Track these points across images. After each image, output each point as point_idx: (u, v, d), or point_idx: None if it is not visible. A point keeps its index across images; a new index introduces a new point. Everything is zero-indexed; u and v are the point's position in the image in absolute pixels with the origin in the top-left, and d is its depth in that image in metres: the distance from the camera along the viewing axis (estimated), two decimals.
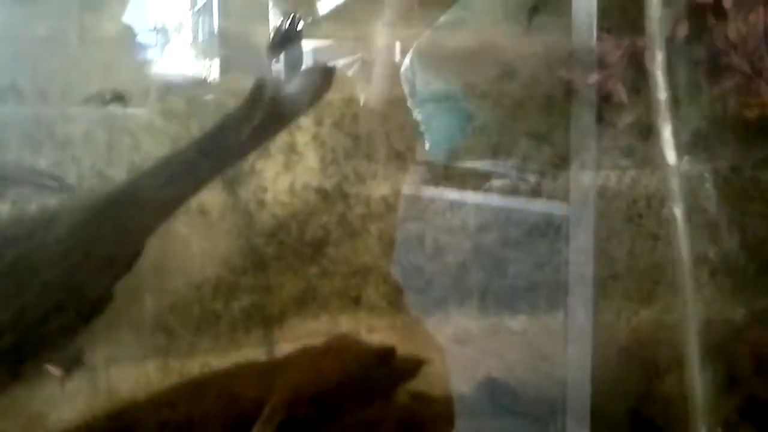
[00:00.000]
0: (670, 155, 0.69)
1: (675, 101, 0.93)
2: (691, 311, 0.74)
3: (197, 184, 0.83)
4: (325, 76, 0.85)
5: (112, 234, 0.79)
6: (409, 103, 1.10)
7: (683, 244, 0.70)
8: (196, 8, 1.08)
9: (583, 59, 1.03)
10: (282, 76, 0.82)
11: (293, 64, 0.83)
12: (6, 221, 0.87)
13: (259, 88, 0.78)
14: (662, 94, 0.69)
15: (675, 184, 0.69)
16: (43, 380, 0.94)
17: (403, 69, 1.11)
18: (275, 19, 1.13)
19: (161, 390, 0.95)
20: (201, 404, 0.92)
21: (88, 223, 0.78)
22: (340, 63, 1.04)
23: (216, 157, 0.81)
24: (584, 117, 1.07)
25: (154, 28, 1.06)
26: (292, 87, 0.81)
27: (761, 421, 1.00)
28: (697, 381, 0.81)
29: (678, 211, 0.70)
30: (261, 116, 0.78)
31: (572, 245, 1.08)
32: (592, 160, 1.08)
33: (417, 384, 1.09)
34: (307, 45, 0.99)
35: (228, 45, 1.07)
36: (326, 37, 1.06)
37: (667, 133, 0.69)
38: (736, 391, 1.00)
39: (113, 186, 0.89)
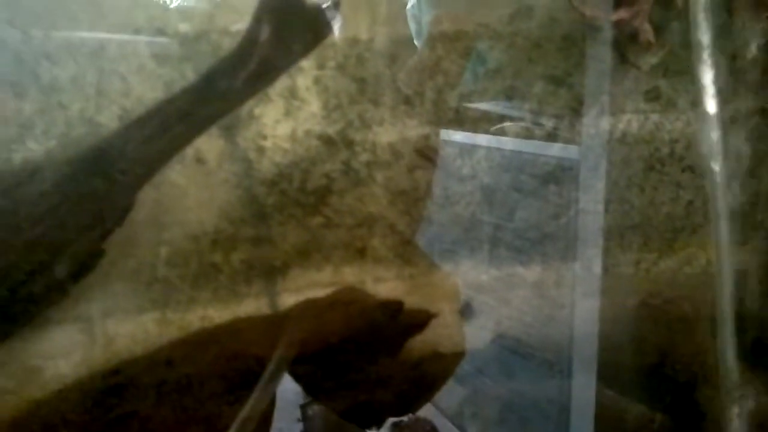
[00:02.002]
0: (711, 104, 0.63)
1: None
2: (727, 270, 0.69)
3: (190, 134, 0.78)
4: (326, 15, 0.78)
5: (100, 188, 0.74)
6: (416, 43, 1.05)
7: (720, 203, 0.65)
8: None
9: None
10: (279, 16, 0.75)
11: (291, 3, 0.76)
12: None
13: (254, 30, 0.71)
14: (704, 36, 0.62)
15: (714, 136, 0.63)
16: (38, 335, 0.92)
17: (409, 6, 1.05)
18: None
19: (158, 347, 0.92)
20: (199, 362, 0.88)
21: (74, 176, 0.73)
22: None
23: (210, 105, 0.75)
24: (608, 57, 1.01)
25: None
26: (291, 29, 0.74)
27: None
28: (729, 339, 0.77)
29: (716, 166, 0.65)
30: (257, 61, 0.72)
31: (583, 193, 1.04)
32: (615, 103, 1.02)
33: (427, 338, 1.06)
34: None
35: None
36: None
37: (708, 80, 0.63)
38: (762, 346, 0.97)
39: (101, 137, 0.84)
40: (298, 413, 1.17)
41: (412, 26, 1.07)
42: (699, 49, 0.62)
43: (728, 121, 0.99)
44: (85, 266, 0.78)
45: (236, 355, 0.89)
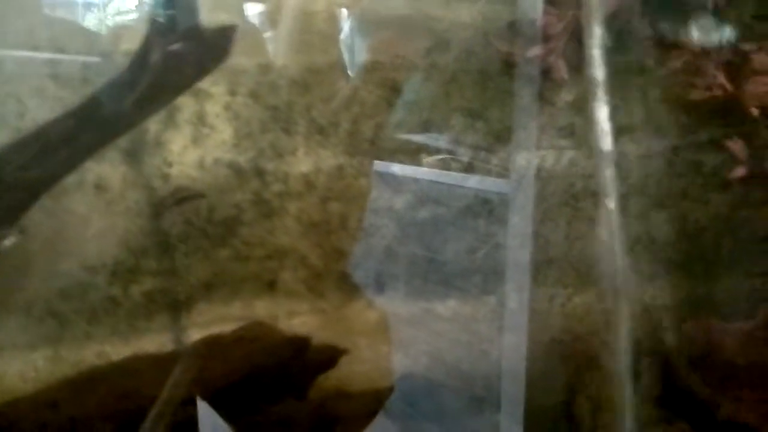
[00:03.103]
0: (605, 141, 0.63)
1: (618, 80, 0.88)
2: (623, 302, 0.68)
3: (76, 159, 0.73)
4: (223, 38, 0.75)
5: None
6: (349, 72, 1.03)
7: (616, 238, 0.64)
8: None
9: (526, 31, 0.96)
10: (172, 37, 0.71)
11: (186, 23, 0.72)
12: None
13: (144, 53, 0.68)
14: (599, 73, 0.62)
15: (609, 173, 0.63)
16: None
17: (343, 36, 1.04)
18: None
19: (44, 387, 0.86)
20: (87, 403, 0.83)
21: None
22: (253, 23, 0.94)
23: (97, 129, 0.71)
24: (525, 93, 1.01)
25: None
26: (184, 52, 0.71)
27: (695, 417, 0.96)
28: (627, 374, 0.76)
29: (611, 203, 0.64)
30: (147, 83, 0.68)
31: (509, 228, 1.03)
32: (532, 139, 1.02)
33: (336, 375, 1.03)
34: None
35: None
36: None
37: (602, 117, 0.62)
38: (670, 384, 0.96)
39: None
40: None
41: (346, 56, 1.05)
42: (593, 86, 0.62)
43: (640, 157, 1.00)
44: None
45: (128, 395, 0.84)
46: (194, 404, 0.82)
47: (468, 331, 1.09)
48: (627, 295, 0.66)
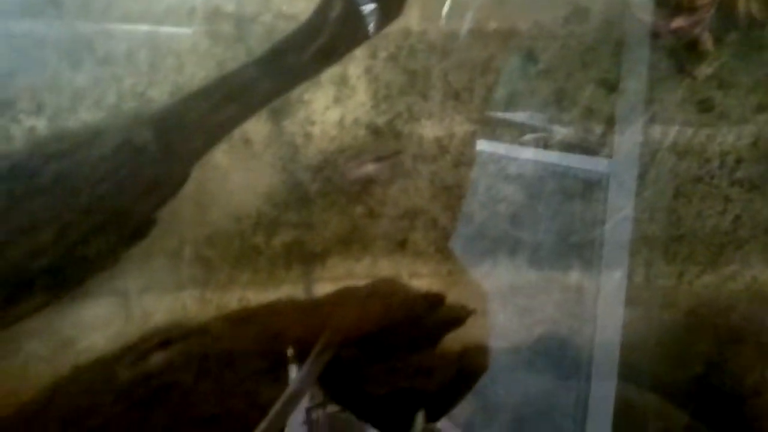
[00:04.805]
0: None
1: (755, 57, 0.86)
2: None
3: (251, 108, 0.77)
4: None
5: (158, 156, 0.74)
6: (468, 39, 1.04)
7: None
8: None
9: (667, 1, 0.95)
10: None
11: None
12: (45, 137, 0.82)
13: (326, 5, 0.71)
14: None
15: None
16: (75, 306, 0.92)
17: None
18: None
19: (201, 321, 0.91)
20: (242, 339, 0.88)
21: (134, 142, 0.73)
22: None
23: (275, 78, 0.75)
24: (657, 64, 1.00)
25: None
26: (363, 6, 0.74)
27: None
28: None
29: None
30: (326, 36, 0.72)
31: (611, 202, 1.03)
32: (657, 112, 1.02)
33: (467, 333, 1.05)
34: None
35: None
36: None
37: None
38: None
39: (162, 105, 0.84)
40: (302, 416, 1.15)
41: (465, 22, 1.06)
42: None
43: None
44: (138, 233, 0.78)
45: (276, 336, 0.89)
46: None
47: (588, 303, 1.10)
48: None
